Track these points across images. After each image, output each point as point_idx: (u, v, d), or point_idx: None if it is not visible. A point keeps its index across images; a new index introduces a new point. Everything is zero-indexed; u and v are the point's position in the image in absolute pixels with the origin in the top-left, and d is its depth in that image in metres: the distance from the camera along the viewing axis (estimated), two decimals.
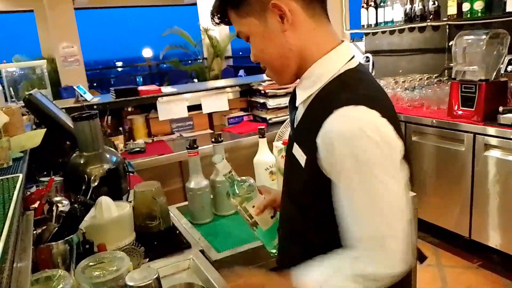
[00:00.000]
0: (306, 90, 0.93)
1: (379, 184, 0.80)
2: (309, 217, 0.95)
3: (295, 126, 1.00)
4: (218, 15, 0.97)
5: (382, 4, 3.91)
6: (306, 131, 0.90)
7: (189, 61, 10.75)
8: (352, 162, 0.79)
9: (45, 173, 1.83)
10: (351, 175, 0.80)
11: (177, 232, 1.49)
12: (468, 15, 3.19)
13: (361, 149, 0.79)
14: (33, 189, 1.59)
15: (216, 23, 1.00)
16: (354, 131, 0.79)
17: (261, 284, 0.94)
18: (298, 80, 0.97)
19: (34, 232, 1.15)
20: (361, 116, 0.80)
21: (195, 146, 1.64)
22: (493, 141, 2.59)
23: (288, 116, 1.15)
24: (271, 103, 3.37)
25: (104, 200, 1.32)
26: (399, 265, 0.81)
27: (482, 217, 2.74)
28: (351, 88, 0.86)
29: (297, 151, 0.94)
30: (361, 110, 0.80)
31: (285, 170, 1.08)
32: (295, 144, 0.96)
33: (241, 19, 0.92)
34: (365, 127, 0.79)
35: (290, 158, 0.99)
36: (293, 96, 1.02)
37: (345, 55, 0.92)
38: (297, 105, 0.97)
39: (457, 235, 2.92)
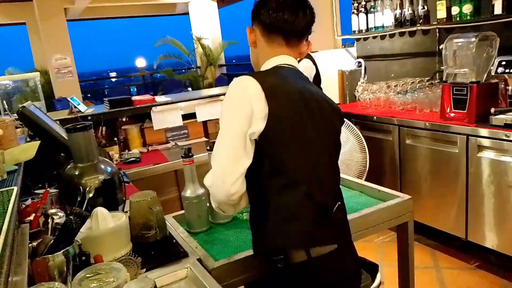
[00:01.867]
0: None
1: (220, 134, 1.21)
2: None
3: None
4: None
5: (372, 9, 3.95)
6: None
7: (183, 70, 10.78)
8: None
9: (39, 185, 1.82)
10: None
11: (174, 241, 1.49)
12: (458, 19, 3.22)
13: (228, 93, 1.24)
14: (28, 201, 1.58)
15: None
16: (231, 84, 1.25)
17: None
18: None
19: (30, 245, 1.14)
20: (235, 80, 1.24)
21: (190, 154, 1.64)
22: (486, 142, 2.61)
23: None
24: None
25: (100, 211, 1.32)
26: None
27: (478, 218, 2.75)
28: (257, 71, 1.35)
29: None
30: (240, 77, 1.23)
31: None
32: None
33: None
34: (237, 81, 1.23)
35: None
36: None
37: (277, 62, 1.33)
38: None
39: (453, 236, 2.94)
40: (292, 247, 1.22)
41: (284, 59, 1.34)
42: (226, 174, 1.17)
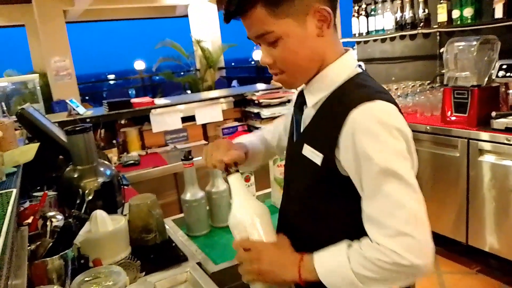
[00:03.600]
0: (318, 92, 0.98)
1: (402, 176, 0.84)
2: (317, 214, 0.99)
3: (302, 128, 1.03)
4: (239, 11, 0.91)
5: (372, 13, 3.95)
6: (321, 131, 0.96)
7: (182, 73, 10.77)
8: (374, 155, 0.84)
9: (38, 188, 1.80)
10: (374, 169, 0.84)
11: (174, 244, 1.47)
12: (458, 22, 3.22)
13: (382, 140, 0.84)
14: (27, 204, 1.56)
15: (228, 19, 0.94)
16: (373, 124, 0.85)
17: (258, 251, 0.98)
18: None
19: (29, 248, 1.13)
20: (380, 111, 0.86)
21: (190, 157, 1.63)
22: (487, 146, 2.60)
23: None
24: (265, 112, 3.38)
25: (99, 214, 1.31)
26: (432, 254, 0.83)
27: (479, 222, 2.74)
28: (365, 87, 0.92)
29: (310, 152, 0.97)
30: (379, 104, 0.87)
31: (289, 174, 1.12)
32: (305, 145, 0.99)
33: (277, 19, 0.89)
34: (383, 118, 0.85)
35: (299, 160, 1.01)
36: (300, 100, 1.05)
37: (354, 61, 0.99)
38: (309, 106, 1.00)
39: (454, 241, 2.92)
40: None
41: (354, 54, 1.08)
42: (429, 234, 0.84)
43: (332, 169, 0.92)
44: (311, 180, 0.99)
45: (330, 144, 0.91)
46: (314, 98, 0.98)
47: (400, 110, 0.91)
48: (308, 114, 1.01)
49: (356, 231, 0.91)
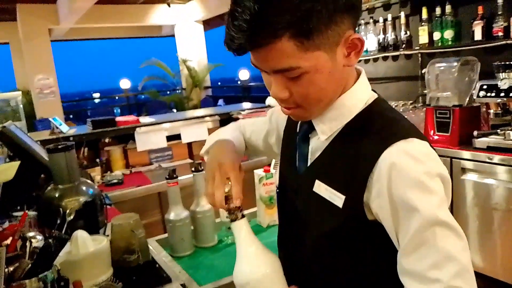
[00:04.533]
0: (333, 122, 0.86)
1: (448, 223, 0.74)
2: (341, 259, 0.87)
3: (310, 161, 0.92)
4: (260, 43, 0.73)
5: None
6: (341, 168, 0.84)
7: (168, 92, 10.78)
8: (418, 205, 0.73)
9: (18, 207, 1.76)
10: (417, 220, 0.73)
11: (157, 265, 1.44)
12: (439, 44, 3.31)
13: (426, 189, 0.74)
14: (6, 224, 1.52)
15: (242, 51, 0.76)
16: (414, 170, 0.74)
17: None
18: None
19: (6, 269, 1.09)
20: (419, 152, 0.76)
21: (174, 176, 1.61)
22: (469, 165, 2.64)
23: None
24: None
25: (80, 234, 1.28)
26: None
27: None
28: (395, 120, 0.83)
29: (325, 191, 0.86)
30: (416, 145, 0.77)
31: (294, 212, 0.97)
32: (318, 182, 0.87)
33: (306, 52, 0.74)
34: (425, 163, 0.75)
35: (309, 198, 0.90)
36: (305, 128, 0.94)
37: (368, 85, 0.89)
38: (321, 139, 0.89)
39: None
40: None
41: (365, 75, 0.91)
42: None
43: (358, 213, 0.81)
44: (330, 223, 0.85)
45: (357, 185, 0.80)
46: (328, 129, 0.87)
47: (432, 146, 0.81)
48: (318, 146, 0.90)
49: (383, 282, 0.83)
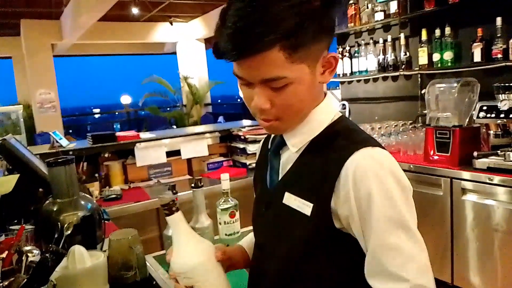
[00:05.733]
0: (303, 135, 0.92)
1: (409, 227, 0.81)
2: (305, 272, 0.89)
3: (281, 175, 0.95)
4: (252, 51, 0.77)
5: (356, 54, 4.07)
6: (310, 178, 0.87)
7: (168, 108, 10.81)
8: (383, 201, 0.79)
9: (15, 221, 1.74)
10: (382, 217, 0.79)
11: (154, 283, 1.42)
12: (439, 65, 3.34)
13: (391, 188, 0.80)
14: (2, 238, 1.51)
15: (234, 57, 0.80)
16: (380, 170, 0.81)
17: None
18: None
19: (1, 284, 1.08)
20: (383, 157, 0.83)
21: (174, 191, 1.60)
22: (470, 186, 2.63)
23: None
24: (251, 148, 3.38)
25: (77, 249, 1.26)
26: None
27: (463, 262, 2.73)
28: (360, 132, 0.91)
29: (294, 201, 0.89)
30: (380, 151, 0.84)
31: (264, 226, 1.00)
32: (287, 194, 0.90)
33: (292, 64, 0.80)
34: (390, 166, 0.82)
35: (278, 211, 0.93)
36: (277, 143, 0.98)
37: (335, 103, 0.96)
38: (293, 151, 0.93)
39: (439, 281, 2.89)
40: None
41: (331, 95, 1.08)
42: None
43: (325, 220, 0.84)
44: (297, 234, 0.88)
45: (324, 192, 0.83)
46: (298, 142, 0.92)
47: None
48: (289, 158, 0.94)
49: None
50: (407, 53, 3.64)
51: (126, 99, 12.25)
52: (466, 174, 2.65)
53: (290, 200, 0.90)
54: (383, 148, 0.85)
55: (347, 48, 4.16)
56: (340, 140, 0.87)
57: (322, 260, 0.87)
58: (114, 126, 11.72)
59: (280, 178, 0.95)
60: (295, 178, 0.92)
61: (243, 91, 0.88)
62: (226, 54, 0.79)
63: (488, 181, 2.52)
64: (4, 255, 1.26)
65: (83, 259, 1.24)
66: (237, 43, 0.76)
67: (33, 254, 1.23)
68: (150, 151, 3.26)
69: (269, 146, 1.04)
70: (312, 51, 0.82)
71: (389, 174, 0.81)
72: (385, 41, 3.79)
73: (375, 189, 0.79)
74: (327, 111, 0.93)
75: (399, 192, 0.80)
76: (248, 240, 1.18)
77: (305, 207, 0.86)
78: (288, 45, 0.77)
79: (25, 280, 1.11)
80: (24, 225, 1.56)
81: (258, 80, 0.82)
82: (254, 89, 0.84)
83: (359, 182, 0.80)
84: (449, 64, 3.27)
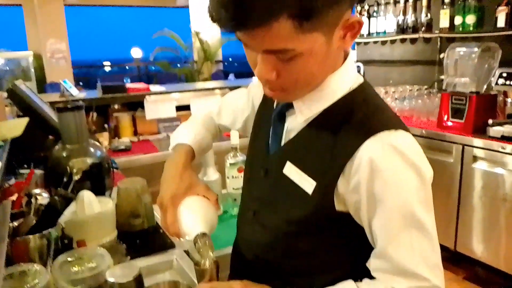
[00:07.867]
0: (314, 104, 0.80)
1: (425, 225, 0.76)
2: (302, 245, 0.85)
3: (284, 141, 0.87)
4: (256, 22, 0.64)
5: (375, 14, 3.93)
6: (317, 153, 0.79)
7: (179, 64, 10.70)
8: (399, 201, 0.73)
9: (25, 166, 1.76)
10: (396, 214, 0.74)
11: (161, 231, 1.44)
12: (460, 29, 3.21)
13: (409, 183, 0.73)
14: (12, 181, 1.52)
15: (238, 28, 0.67)
16: (403, 166, 0.73)
17: None
18: None
19: (11, 224, 1.09)
20: (406, 146, 0.74)
21: None
22: (481, 153, 2.60)
23: None
24: None
25: (86, 194, 1.26)
26: None
27: (468, 229, 2.73)
28: (377, 107, 0.79)
29: (296, 174, 0.82)
30: (402, 137, 0.75)
31: (259, 192, 0.93)
32: (289, 163, 0.83)
33: (303, 34, 0.66)
34: (410, 156, 0.73)
35: (276, 179, 0.86)
36: (282, 106, 0.87)
37: (354, 67, 0.83)
38: (299, 120, 0.82)
39: (442, 246, 2.90)
40: None
41: (352, 56, 0.87)
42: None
43: (327, 202, 0.77)
44: (297, 211, 0.81)
45: (331, 174, 0.76)
46: (307, 110, 0.81)
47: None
48: (294, 126, 0.84)
49: (343, 273, 0.82)
50: (428, 15, 3.50)
51: (136, 53, 12.10)
52: (478, 142, 2.61)
53: (291, 171, 0.82)
54: (406, 129, 0.76)
55: (366, 7, 4.01)
56: (357, 115, 0.76)
57: (316, 239, 0.83)
58: (125, 80, 11.67)
59: (282, 144, 0.87)
60: (300, 149, 0.83)
61: (247, 54, 0.75)
62: (222, 22, 0.66)
63: (500, 149, 2.49)
64: (14, 197, 1.28)
65: (91, 205, 1.25)
66: (236, 11, 0.63)
67: (42, 197, 1.24)
68: (159, 105, 3.23)
69: (274, 105, 0.92)
70: (331, 16, 0.67)
71: (410, 167, 0.72)
72: (406, 1, 3.65)
73: (393, 185, 0.72)
74: (345, 78, 0.80)
75: (417, 186, 0.73)
76: (198, 139, 1.08)
77: (307, 184, 0.79)
78: (298, 12, 0.63)
79: (35, 221, 1.12)
80: (33, 169, 1.57)
81: (261, 49, 0.70)
82: (257, 56, 0.72)
83: (375, 177, 0.72)
84: (471, 28, 3.14)
